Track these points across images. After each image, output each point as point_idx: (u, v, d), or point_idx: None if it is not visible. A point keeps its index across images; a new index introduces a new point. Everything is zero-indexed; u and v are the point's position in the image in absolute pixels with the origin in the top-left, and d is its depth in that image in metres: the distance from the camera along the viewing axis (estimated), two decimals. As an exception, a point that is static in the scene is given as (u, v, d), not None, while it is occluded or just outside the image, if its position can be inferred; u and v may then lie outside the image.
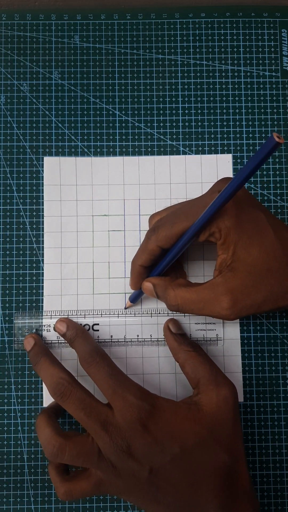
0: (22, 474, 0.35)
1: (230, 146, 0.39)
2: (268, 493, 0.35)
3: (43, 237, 0.37)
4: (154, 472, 0.28)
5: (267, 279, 0.29)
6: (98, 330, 0.36)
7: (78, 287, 0.37)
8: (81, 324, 0.35)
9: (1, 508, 0.35)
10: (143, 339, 0.36)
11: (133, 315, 0.36)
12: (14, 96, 0.39)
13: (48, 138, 0.38)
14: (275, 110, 0.39)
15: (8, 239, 0.37)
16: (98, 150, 0.38)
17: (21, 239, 0.37)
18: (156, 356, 0.36)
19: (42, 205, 0.37)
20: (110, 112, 0.39)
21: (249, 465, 0.35)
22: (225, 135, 0.39)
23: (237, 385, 0.31)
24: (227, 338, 0.36)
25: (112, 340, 0.36)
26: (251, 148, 0.38)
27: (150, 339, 0.36)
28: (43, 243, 0.37)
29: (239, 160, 0.38)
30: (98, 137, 0.38)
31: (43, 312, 0.36)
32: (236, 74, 0.39)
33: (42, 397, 0.36)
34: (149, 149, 0.38)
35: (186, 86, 0.39)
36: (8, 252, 0.37)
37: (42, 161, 0.38)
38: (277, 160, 0.38)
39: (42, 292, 0.37)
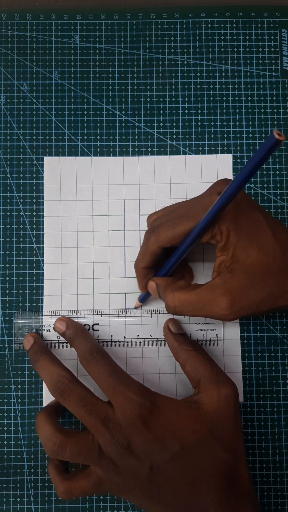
0: (22, 474, 0.35)
1: (230, 146, 0.39)
2: (268, 493, 0.35)
3: (43, 237, 0.37)
4: (154, 469, 0.28)
5: (265, 280, 0.29)
6: (98, 330, 0.36)
7: (78, 287, 0.37)
8: (81, 324, 0.35)
9: (1, 508, 0.35)
10: (143, 339, 0.36)
11: (133, 315, 0.36)
12: (14, 96, 0.39)
13: (48, 138, 0.38)
14: (275, 110, 0.39)
15: (8, 239, 0.37)
16: (98, 150, 0.38)
17: (21, 239, 0.37)
18: (156, 356, 0.36)
19: (42, 205, 0.38)
20: (110, 112, 0.39)
21: (249, 465, 0.35)
22: (225, 135, 0.39)
23: (237, 385, 0.31)
24: (227, 338, 0.36)
25: (112, 340, 0.36)
26: (251, 148, 0.38)
27: (150, 339, 0.36)
28: (43, 243, 0.37)
29: (239, 160, 0.38)
30: (98, 137, 0.38)
31: (43, 312, 0.36)
32: (236, 74, 0.39)
33: (42, 397, 0.36)
34: (149, 149, 0.38)
35: (186, 86, 0.39)
36: (8, 252, 0.37)
37: (42, 161, 0.38)
38: (277, 160, 0.38)
39: (42, 292, 0.37)
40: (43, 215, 0.37)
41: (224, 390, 0.30)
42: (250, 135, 0.39)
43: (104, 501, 0.35)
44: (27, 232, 0.37)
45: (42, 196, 0.38)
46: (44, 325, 0.36)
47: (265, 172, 0.38)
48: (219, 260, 0.31)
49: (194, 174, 0.38)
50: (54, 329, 0.35)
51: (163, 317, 0.36)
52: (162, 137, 0.39)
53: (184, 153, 0.38)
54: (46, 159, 0.38)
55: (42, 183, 0.38)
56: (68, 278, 0.37)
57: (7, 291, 0.37)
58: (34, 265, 0.37)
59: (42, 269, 0.37)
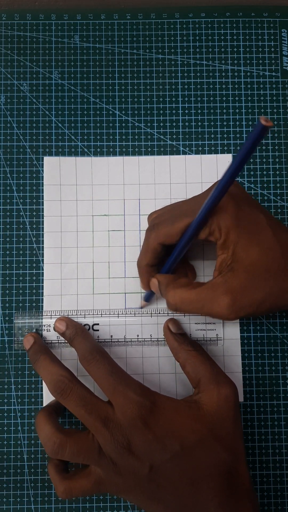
0: (22, 474, 0.35)
1: (230, 146, 0.39)
2: (268, 493, 0.35)
3: (43, 237, 0.37)
4: (154, 469, 0.28)
5: (265, 280, 0.29)
6: (98, 330, 0.36)
7: (78, 287, 0.37)
8: (81, 324, 0.35)
9: (1, 508, 0.35)
10: (143, 339, 0.36)
11: (133, 315, 0.36)
12: (14, 96, 0.39)
13: (48, 138, 0.38)
14: (275, 110, 0.39)
15: (8, 239, 0.37)
16: (98, 150, 0.38)
17: (21, 239, 0.37)
18: (156, 356, 0.36)
19: (42, 205, 0.38)
20: (110, 112, 0.39)
21: (249, 465, 0.35)
22: (225, 135, 0.39)
23: (237, 385, 0.31)
24: (227, 338, 0.36)
25: (112, 340, 0.36)
26: (251, 148, 0.38)
27: (150, 339, 0.36)
28: (43, 243, 0.37)
29: (239, 160, 0.38)
30: (98, 137, 0.38)
31: (43, 312, 0.36)
32: (236, 74, 0.39)
33: (42, 397, 0.36)
34: (149, 149, 0.38)
35: (186, 86, 0.39)
36: (8, 252, 0.37)
37: (42, 161, 0.38)
38: (277, 160, 0.38)
39: (42, 292, 0.37)
40: (43, 215, 0.37)
41: (224, 390, 0.30)
42: (250, 135, 0.39)
43: (104, 501, 0.35)
44: (27, 232, 0.37)
45: (42, 196, 0.38)
46: (44, 325, 0.36)
47: (265, 172, 0.38)
48: (220, 259, 0.31)
49: (194, 174, 0.38)
50: (54, 329, 0.35)
51: (163, 317, 0.36)
52: (162, 137, 0.39)
53: (184, 153, 0.38)
54: (46, 159, 0.38)
55: (42, 183, 0.38)
56: (68, 278, 0.37)
57: (7, 291, 0.37)
58: (34, 265, 0.37)
59: (42, 269, 0.37)
